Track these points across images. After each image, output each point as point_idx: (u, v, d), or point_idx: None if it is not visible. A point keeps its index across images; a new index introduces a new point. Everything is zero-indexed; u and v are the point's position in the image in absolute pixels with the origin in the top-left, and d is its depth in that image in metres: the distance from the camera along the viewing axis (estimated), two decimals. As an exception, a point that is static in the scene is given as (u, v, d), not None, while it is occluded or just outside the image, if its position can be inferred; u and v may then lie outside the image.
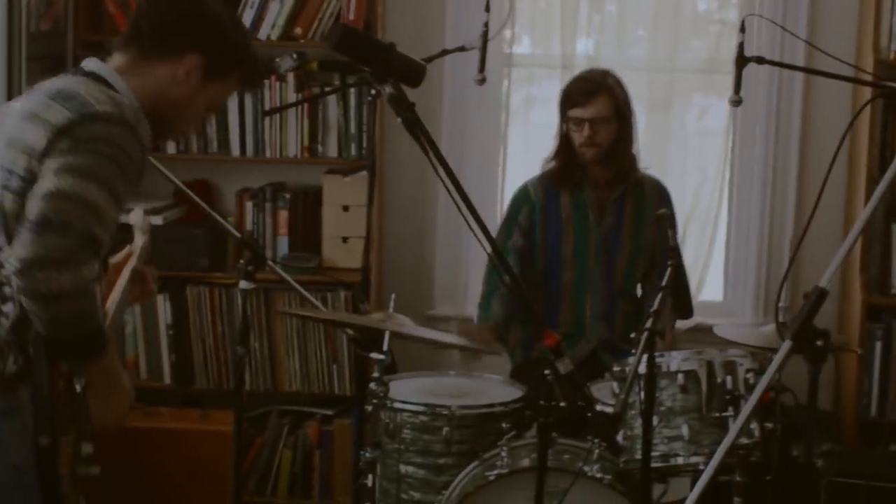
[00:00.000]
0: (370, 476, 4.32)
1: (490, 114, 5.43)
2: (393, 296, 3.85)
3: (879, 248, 5.09)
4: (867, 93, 5.06)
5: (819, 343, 2.48)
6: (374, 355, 3.85)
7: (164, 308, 5.29)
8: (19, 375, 2.69)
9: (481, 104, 5.36)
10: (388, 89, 2.92)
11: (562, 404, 2.97)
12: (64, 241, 2.56)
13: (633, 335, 3.60)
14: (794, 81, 5.33)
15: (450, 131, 5.38)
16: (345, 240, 5.27)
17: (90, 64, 2.93)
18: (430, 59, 4.36)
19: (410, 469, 4.17)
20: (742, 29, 4.06)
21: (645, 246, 4.86)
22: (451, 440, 4.12)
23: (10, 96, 4.67)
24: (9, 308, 2.69)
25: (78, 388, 2.71)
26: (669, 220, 3.61)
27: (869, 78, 4.82)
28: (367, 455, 3.93)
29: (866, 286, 5.06)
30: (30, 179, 2.67)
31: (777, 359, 2.46)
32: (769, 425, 3.84)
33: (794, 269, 5.42)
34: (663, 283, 3.53)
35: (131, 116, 2.75)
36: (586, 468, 3.77)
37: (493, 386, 4.48)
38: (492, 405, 4.20)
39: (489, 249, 2.96)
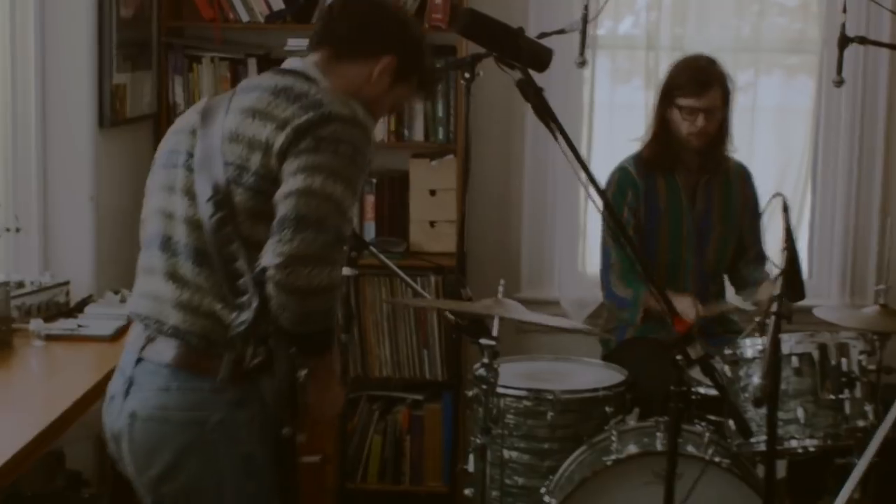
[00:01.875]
0: (471, 460, 4.34)
1: (573, 94, 5.39)
2: (502, 281, 3.83)
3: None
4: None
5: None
6: (484, 341, 3.83)
7: (250, 296, 5.27)
8: (261, 367, 2.73)
9: (569, 84, 5.32)
10: (516, 75, 2.91)
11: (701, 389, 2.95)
12: (322, 238, 2.61)
13: (757, 319, 3.59)
14: (880, 58, 5.29)
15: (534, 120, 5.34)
16: (432, 224, 5.27)
17: (295, 63, 2.98)
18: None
19: (514, 454, 4.18)
20: (844, 10, 4.04)
21: (734, 229, 4.86)
22: (555, 425, 4.13)
23: (101, 84, 4.66)
24: (245, 300, 2.72)
25: (300, 378, 2.78)
26: (784, 203, 3.57)
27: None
28: (478, 441, 3.91)
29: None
30: (266, 175, 2.72)
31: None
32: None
33: (882, 248, 5.40)
34: (781, 266, 3.48)
35: (364, 118, 2.80)
36: (702, 452, 3.77)
37: (591, 369, 4.48)
38: (595, 389, 4.20)
39: (624, 241, 2.94)
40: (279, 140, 2.72)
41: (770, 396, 3.37)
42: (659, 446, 3.84)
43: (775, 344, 3.27)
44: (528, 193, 5.47)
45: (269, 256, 2.62)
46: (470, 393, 4.28)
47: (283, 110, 2.76)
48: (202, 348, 2.79)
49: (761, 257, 4.99)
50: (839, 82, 4.06)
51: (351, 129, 2.74)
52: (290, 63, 3.00)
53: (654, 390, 4.36)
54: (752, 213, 4.93)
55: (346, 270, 4.13)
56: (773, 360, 3.31)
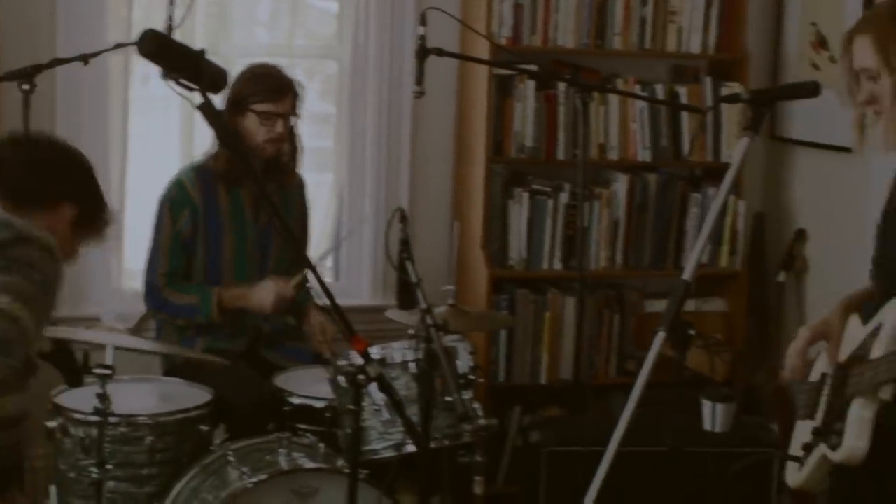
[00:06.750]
0: (53, 494, 4.13)
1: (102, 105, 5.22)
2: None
3: (499, 224, 5.36)
4: (476, 70, 5.30)
5: (690, 332, 2.63)
6: (99, 370, 3.66)
7: None
8: None
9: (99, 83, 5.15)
10: (196, 98, 2.81)
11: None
12: (9, 361, 2.36)
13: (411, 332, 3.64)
14: (404, 62, 5.43)
15: (66, 124, 5.10)
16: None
17: None
18: (93, 55, 4.23)
19: (111, 483, 4.00)
20: (423, 22, 4.17)
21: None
22: (154, 449, 4.00)
23: None
24: None
25: None
26: (401, 214, 3.66)
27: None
28: (95, 475, 3.73)
29: (490, 261, 5.32)
30: None
31: (653, 349, 2.61)
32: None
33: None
34: (412, 278, 3.59)
35: (59, 253, 2.68)
36: (328, 463, 3.79)
37: (170, 387, 4.36)
38: (187, 409, 4.11)
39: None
40: None
41: (422, 401, 3.47)
42: (284, 463, 3.81)
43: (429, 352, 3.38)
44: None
45: None
46: (52, 423, 4.06)
47: None
48: None
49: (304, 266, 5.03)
50: (419, 93, 4.18)
51: (47, 260, 2.63)
52: None
53: (243, 405, 4.34)
54: (301, 221, 4.98)
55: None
56: (426, 370, 3.41)
